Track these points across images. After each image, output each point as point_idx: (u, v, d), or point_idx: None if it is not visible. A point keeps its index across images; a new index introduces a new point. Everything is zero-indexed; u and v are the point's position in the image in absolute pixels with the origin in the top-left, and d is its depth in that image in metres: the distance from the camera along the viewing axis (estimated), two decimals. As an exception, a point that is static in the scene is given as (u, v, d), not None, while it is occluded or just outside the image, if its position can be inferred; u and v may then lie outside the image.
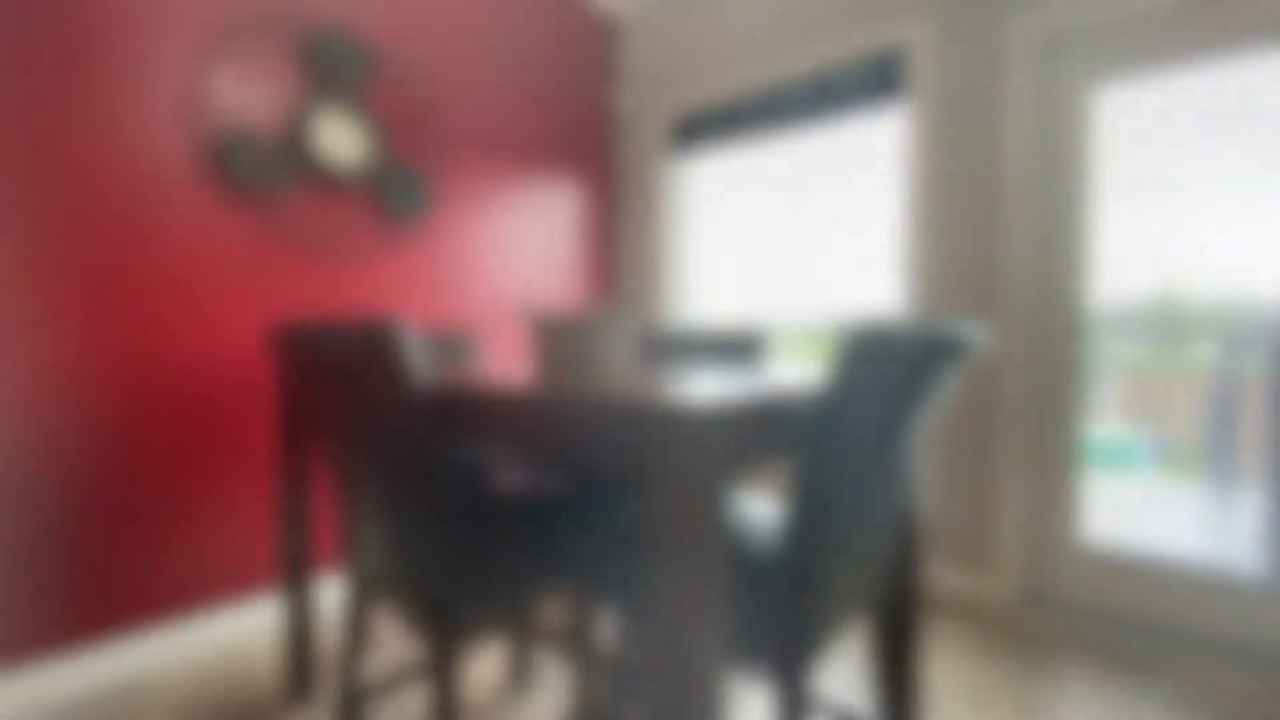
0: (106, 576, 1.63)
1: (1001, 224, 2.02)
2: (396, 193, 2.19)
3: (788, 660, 0.84)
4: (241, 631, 1.87)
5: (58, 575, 1.55)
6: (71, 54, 1.54)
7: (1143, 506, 1.92)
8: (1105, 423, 1.98)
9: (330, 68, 1.99)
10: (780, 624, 0.84)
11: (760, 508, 1.20)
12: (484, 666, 1.74)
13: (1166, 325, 1.83)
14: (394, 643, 1.87)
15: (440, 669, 0.98)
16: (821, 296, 2.57)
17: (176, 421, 1.74)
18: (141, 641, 1.68)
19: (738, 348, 1.78)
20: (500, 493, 1.27)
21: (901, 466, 0.98)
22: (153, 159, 1.67)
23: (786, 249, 2.68)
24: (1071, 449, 2.00)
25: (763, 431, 0.80)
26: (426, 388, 0.90)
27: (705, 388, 0.82)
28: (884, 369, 0.75)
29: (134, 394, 1.66)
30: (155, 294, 1.69)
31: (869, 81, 2.33)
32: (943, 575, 2.17)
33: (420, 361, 0.91)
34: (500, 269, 2.61)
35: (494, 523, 1.10)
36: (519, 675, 1.61)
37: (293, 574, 1.53)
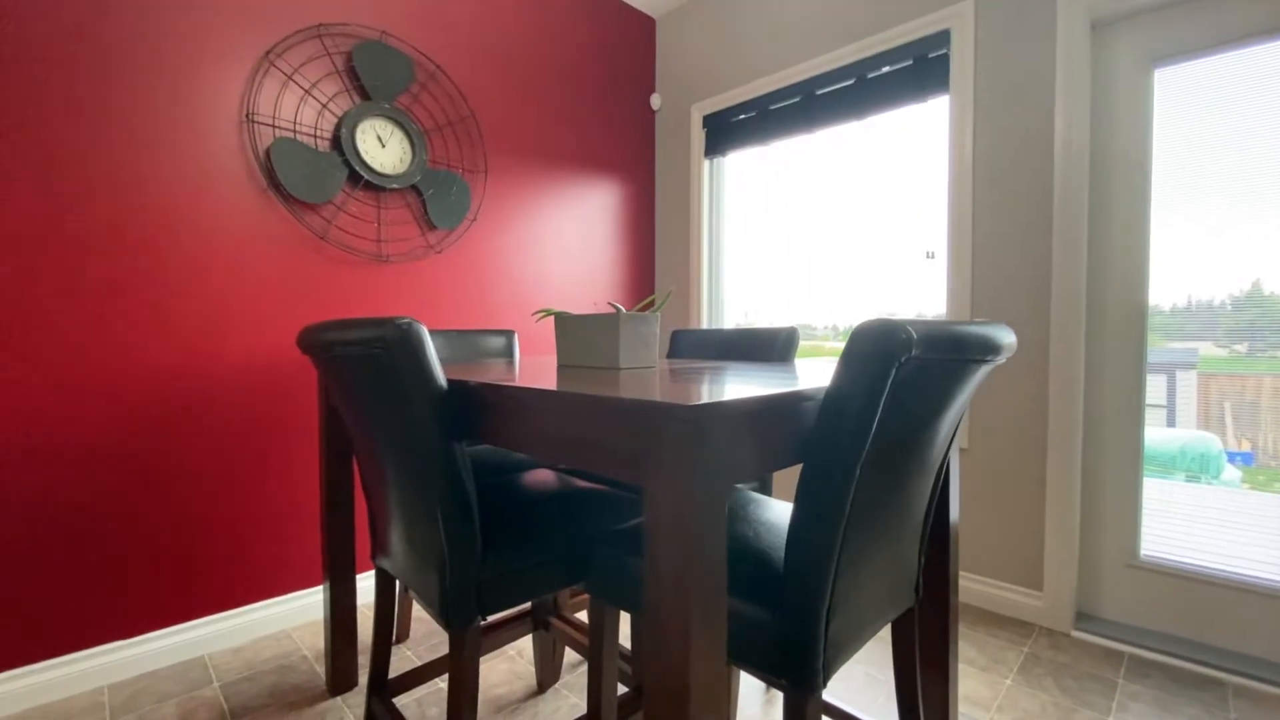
0: (174, 564, 1.74)
1: (1053, 217, 1.92)
2: (439, 196, 2.26)
3: (799, 668, 0.82)
4: (296, 619, 1.97)
5: (131, 564, 1.68)
6: (144, 77, 1.66)
7: (1218, 519, 1.78)
8: (1182, 429, 1.84)
9: (375, 78, 2.07)
10: (793, 629, 0.82)
11: (782, 510, 1.17)
12: (514, 663, 1.77)
13: (1254, 324, 1.69)
14: (432, 633, 1.93)
15: (455, 662, 1.00)
16: (861, 298, 2.50)
17: (235, 419, 1.84)
18: (204, 625, 1.79)
19: (769, 348, 1.75)
20: (517, 488, 1.30)
21: (924, 470, 0.94)
22: (214, 169, 1.78)
23: (824, 248, 2.62)
24: (1129, 457, 1.87)
25: (773, 431, 0.79)
26: (443, 386, 0.93)
27: (718, 385, 0.81)
28: (894, 368, 0.72)
29: (192, 394, 1.77)
30: (215, 295, 1.80)
31: (909, 73, 2.24)
32: (987, 588, 2.07)
33: (437, 360, 0.93)
34: (542, 269, 2.66)
35: (509, 518, 1.12)
36: (546, 673, 1.63)
37: (335, 566, 1.60)
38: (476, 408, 0.97)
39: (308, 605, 2.01)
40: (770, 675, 0.85)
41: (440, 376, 0.93)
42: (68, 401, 1.58)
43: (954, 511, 1.26)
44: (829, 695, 1.60)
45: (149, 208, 1.68)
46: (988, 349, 0.78)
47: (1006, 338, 0.83)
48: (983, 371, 0.86)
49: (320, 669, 1.73)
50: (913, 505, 0.96)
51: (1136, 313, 1.84)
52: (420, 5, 2.24)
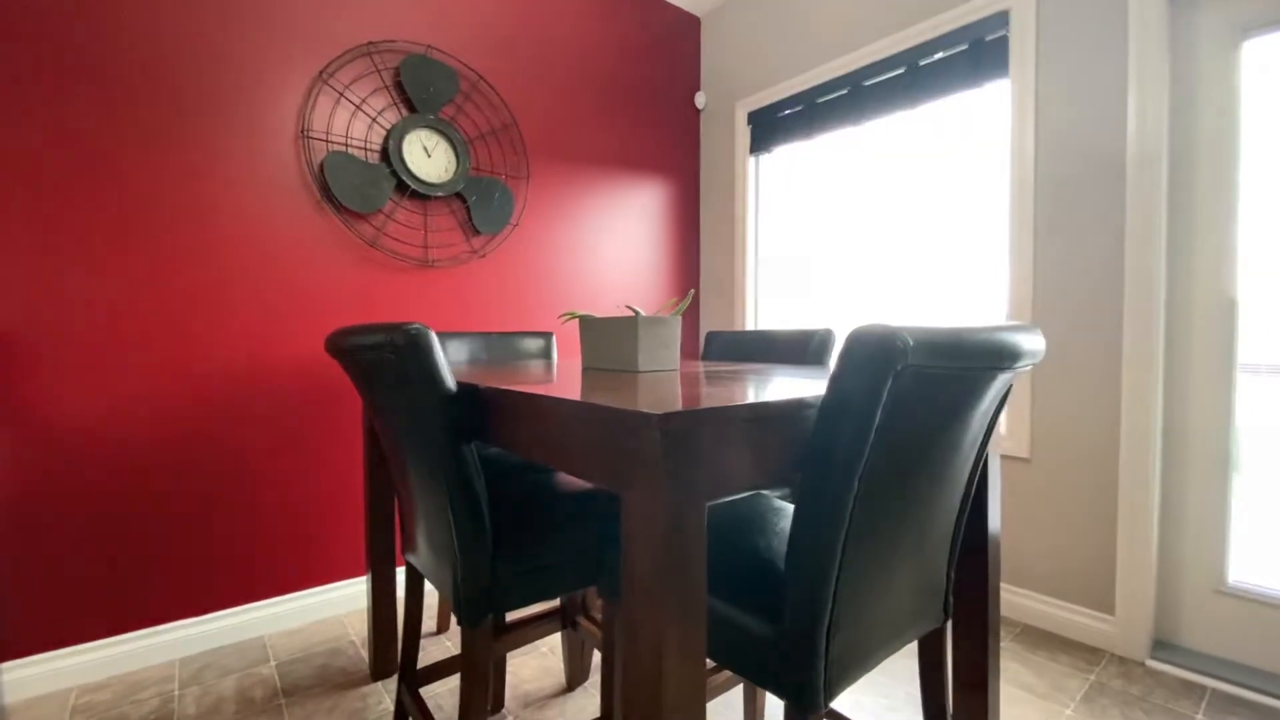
0: (241, 550, 1.89)
1: (1126, 208, 1.76)
2: (483, 203, 2.33)
3: (799, 683, 0.79)
4: (349, 605, 2.09)
5: (202, 549, 1.83)
6: (210, 102, 1.80)
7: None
8: None
9: (421, 91, 2.16)
10: (792, 644, 0.79)
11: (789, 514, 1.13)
12: (546, 660, 1.80)
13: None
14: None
15: (466, 656, 1.03)
16: (916, 296, 2.38)
17: (297, 416, 1.97)
18: (265, 607, 1.93)
19: (803, 349, 1.70)
20: (536, 488, 1.31)
21: (944, 481, 0.88)
22: (274, 184, 1.91)
23: (876, 245, 2.51)
24: (1215, 471, 1.69)
25: (771, 439, 0.76)
26: (450, 388, 0.96)
27: (719, 390, 0.79)
28: (890, 376, 0.68)
29: (256, 393, 1.91)
30: (276, 302, 1.93)
31: (964, 58, 2.12)
32: (1051, 609, 1.92)
33: (445, 364, 0.96)
34: (584, 270, 2.69)
35: (524, 518, 1.14)
36: (575, 671, 1.65)
37: (377, 560, 1.68)
38: (483, 410, 0.99)
39: (360, 593, 2.12)
40: (773, 690, 0.83)
41: (448, 379, 0.96)
42: (153, 400, 1.74)
43: (993, 524, 1.18)
44: (859, 712, 1.53)
45: (218, 221, 1.83)
46: (1001, 356, 0.73)
47: (1027, 343, 0.76)
48: (1003, 379, 0.80)
49: (366, 654, 1.82)
50: (932, 518, 0.91)
51: (1224, 311, 1.66)
52: (463, 17, 2.31)
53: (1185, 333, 1.73)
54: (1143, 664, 1.73)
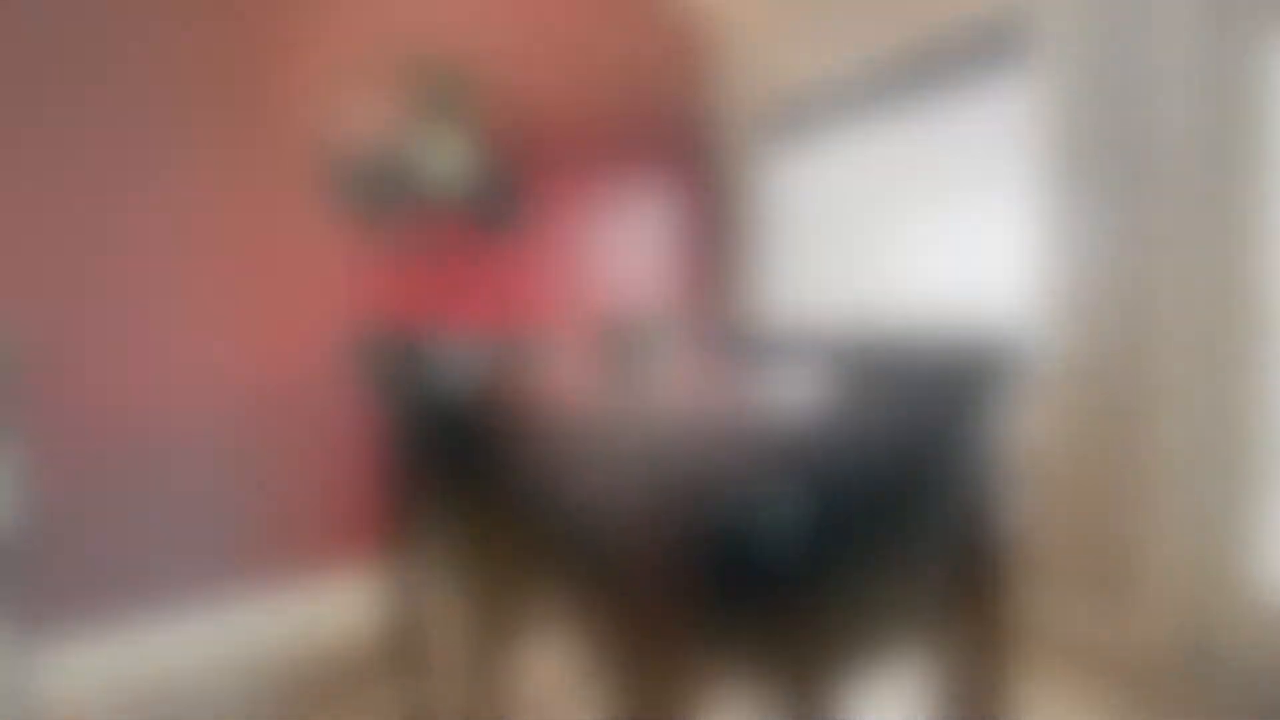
0: (244, 547, 1.94)
1: (1152, 202, 1.70)
2: (495, 207, 2.35)
3: (801, 683, 0.79)
4: (353, 604, 2.13)
5: (207, 546, 1.88)
6: (229, 104, 1.86)
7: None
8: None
9: (435, 93, 2.19)
10: (792, 642, 0.79)
11: (782, 507, 1.12)
12: (551, 658, 1.81)
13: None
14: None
15: (475, 656, 1.04)
16: (933, 296, 2.33)
17: (303, 415, 2.01)
18: (271, 603, 1.98)
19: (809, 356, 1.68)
20: (532, 488, 1.32)
21: (943, 490, 0.87)
22: (287, 186, 1.96)
23: (891, 247, 2.47)
24: (1252, 470, 1.62)
25: (764, 444, 0.76)
26: (447, 399, 0.97)
27: (717, 400, 0.79)
28: (895, 394, 0.68)
29: (260, 392, 1.96)
30: (286, 302, 1.98)
31: (981, 52, 2.07)
32: (1065, 611, 1.86)
33: (445, 374, 0.97)
34: (596, 274, 2.70)
35: (525, 516, 1.15)
36: (580, 669, 1.66)
37: (386, 559, 1.71)
38: (486, 414, 1.00)
39: (369, 590, 2.13)
40: (772, 692, 0.83)
41: (446, 390, 0.97)
42: (171, 397, 1.80)
43: (1004, 532, 1.15)
44: None
45: (235, 226, 1.88)
46: (999, 359, 0.71)
47: (1026, 343, 0.75)
48: (1008, 380, 0.78)
49: (374, 651, 1.85)
50: (939, 519, 0.89)
51: (1262, 306, 1.60)
52: (479, 20, 2.34)
53: (1222, 328, 1.66)
54: (1169, 677, 1.67)
